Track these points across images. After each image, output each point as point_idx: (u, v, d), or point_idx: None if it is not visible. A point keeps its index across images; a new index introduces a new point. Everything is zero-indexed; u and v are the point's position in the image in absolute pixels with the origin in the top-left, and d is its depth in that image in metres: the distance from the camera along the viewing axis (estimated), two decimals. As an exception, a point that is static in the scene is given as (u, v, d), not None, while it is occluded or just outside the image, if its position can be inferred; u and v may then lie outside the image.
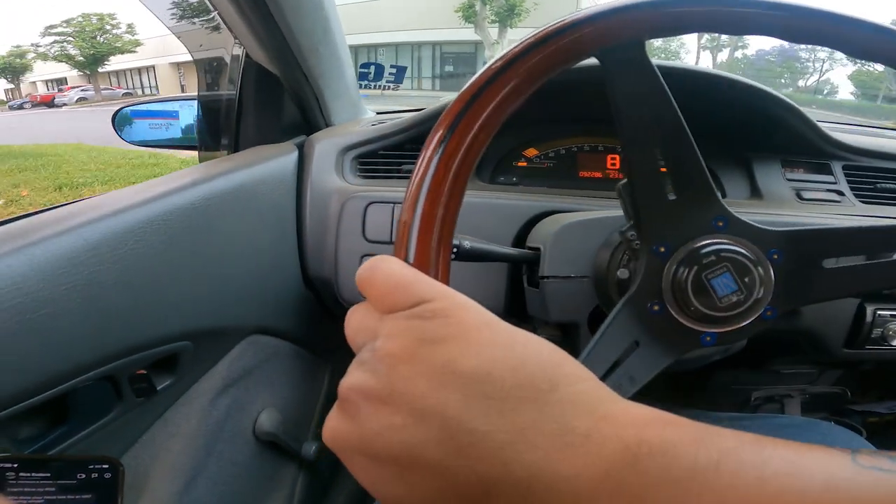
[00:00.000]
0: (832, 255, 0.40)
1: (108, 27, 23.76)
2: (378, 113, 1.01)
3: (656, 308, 0.38)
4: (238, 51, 0.80)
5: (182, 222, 0.55)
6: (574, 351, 0.36)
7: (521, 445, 0.19)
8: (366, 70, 1.10)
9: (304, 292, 0.80)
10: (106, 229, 0.48)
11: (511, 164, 0.82)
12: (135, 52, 24.12)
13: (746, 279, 0.38)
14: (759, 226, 0.39)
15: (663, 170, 0.37)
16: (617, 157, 0.83)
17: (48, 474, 0.44)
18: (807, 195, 0.75)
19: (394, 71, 1.16)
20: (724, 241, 0.38)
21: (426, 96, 16.61)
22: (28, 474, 0.43)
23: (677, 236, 0.38)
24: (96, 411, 0.51)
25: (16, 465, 0.42)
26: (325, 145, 0.79)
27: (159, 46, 22.40)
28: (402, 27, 20.24)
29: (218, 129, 0.83)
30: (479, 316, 0.23)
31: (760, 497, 0.17)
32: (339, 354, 0.94)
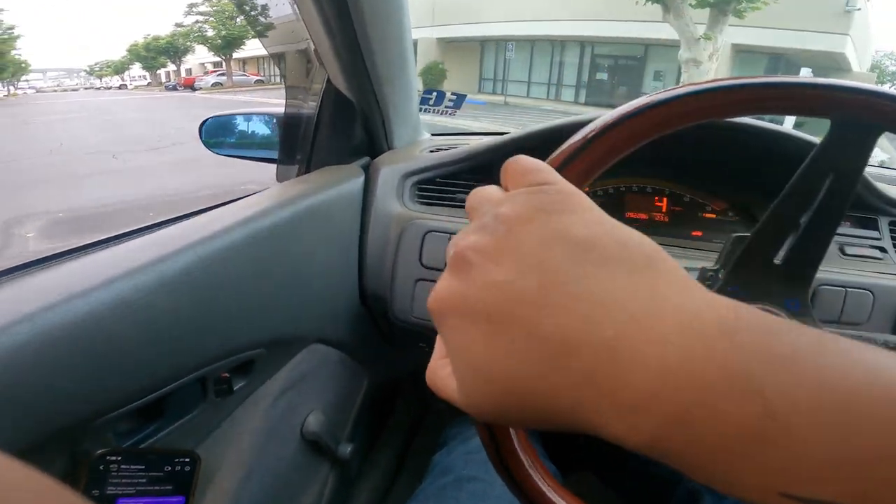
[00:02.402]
0: None
1: (246, 8, 22.41)
2: (433, 135, 1.05)
3: None
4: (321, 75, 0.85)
5: (271, 241, 0.61)
6: None
7: (612, 307, 0.19)
8: (428, 96, 1.16)
9: (359, 307, 0.85)
10: (213, 248, 0.53)
11: None
12: (267, 36, 22.67)
13: None
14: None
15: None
16: (665, 199, 0.82)
17: (143, 466, 0.49)
18: (850, 251, 0.74)
19: (454, 98, 1.19)
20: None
21: (561, 111, 12.96)
22: (128, 466, 0.48)
23: (767, 294, 0.39)
24: (184, 409, 0.57)
25: (120, 458, 0.48)
26: (388, 170, 0.84)
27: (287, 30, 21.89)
28: (544, 16, 14.93)
29: (295, 146, 0.88)
30: (590, 202, 0.25)
31: (869, 379, 0.16)
32: (376, 363, 0.99)
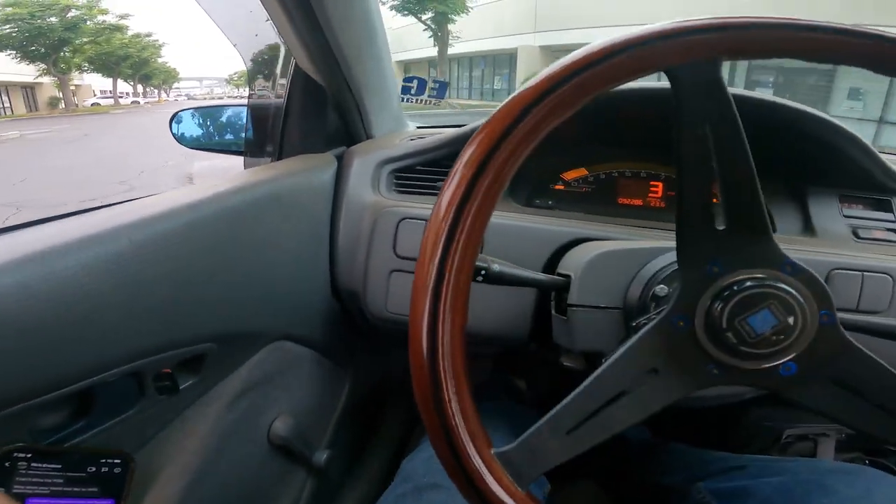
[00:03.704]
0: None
1: None
2: (418, 127, 1.01)
3: (681, 324, 0.36)
4: (287, 60, 0.82)
5: (221, 227, 0.57)
6: None
7: None
8: (409, 84, 1.11)
9: (331, 302, 0.80)
10: (152, 231, 0.49)
11: (548, 186, 0.80)
12: None
13: (789, 320, 0.35)
14: (826, 286, 0.36)
15: (716, 200, 0.35)
16: (660, 184, 0.78)
17: (59, 466, 0.45)
18: (864, 234, 0.70)
19: (436, 86, 1.15)
20: (781, 279, 0.36)
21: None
22: (39, 465, 0.44)
23: (727, 263, 0.36)
24: (118, 406, 0.52)
25: (29, 456, 0.44)
26: (363, 158, 0.80)
27: (388, 43, 22.18)
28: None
29: (264, 137, 0.85)
30: None
31: None
32: (359, 365, 0.94)
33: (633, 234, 0.67)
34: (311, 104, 0.82)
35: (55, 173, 5.97)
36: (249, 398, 0.67)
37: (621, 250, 0.55)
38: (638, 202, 0.79)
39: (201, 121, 0.91)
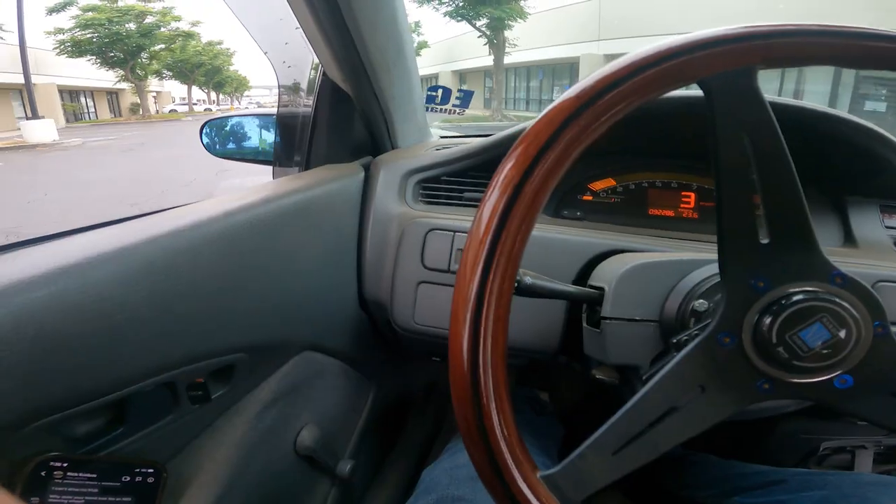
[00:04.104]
0: None
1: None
2: (442, 137, 1.01)
3: (727, 340, 0.35)
4: (316, 70, 0.83)
5: (252, 238, 0.57)
6: (631, 393, 0.36)
7: None
8: (433, 93, 1.10)
9: (358, 313, 0.80)
10: (185, 241, 0.50)
11: (576, 197, 0.79)
12: (419, 55, 19.19)
13: (842, 333, 0.34)
14: (875, 293, 0.35)
15: (758, 213, 0.34)
16: (692, 194, 0.77)
17: (94, 475, 0.45)
18: None
19: (460, 96, 1.14)
20: (832, 292, 0.35)
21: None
22: (75, 474, 0.44)
23: (773, 278, 0.35)
24: (152, 415, 0.52)
25: (65, 465, 0.43)
26: (390, 168, 0.80)
27: (442, 52, 20.17)
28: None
29: (292, 146, 0.86)
30: None
31: None
32: (384, 376, 0.93)
33: (666, 245, 0.66)
34: (339, 114, 0.83)
35: (76, 188, 6.01)
36: (278, 408, 0.68)
37: (657, 262, 0.54)
38: (669, 213, 0.77)
39: (231, 130, 0.92)
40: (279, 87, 0.87)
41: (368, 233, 0.77)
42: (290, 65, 0.86)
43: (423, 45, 20.48)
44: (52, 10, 19.44)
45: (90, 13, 19.71)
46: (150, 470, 0.49)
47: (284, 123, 0.87)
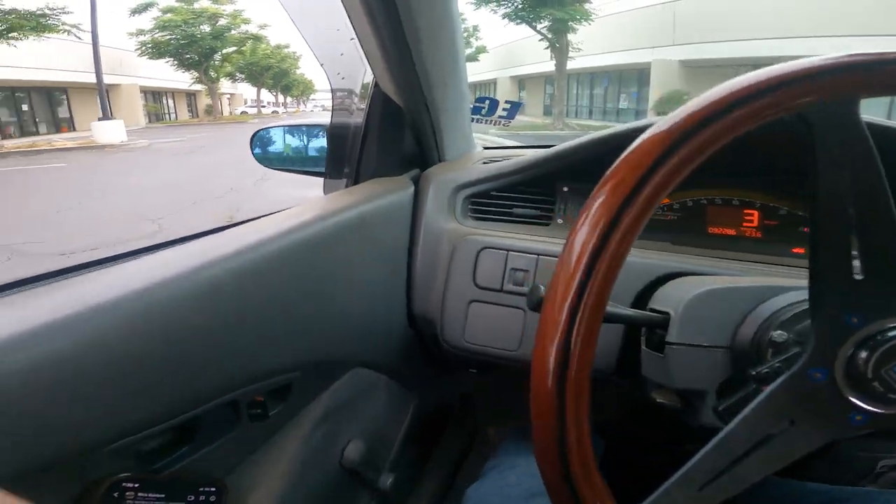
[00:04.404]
0: None
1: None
2: (485, 148, 1.00)
3: (818, 375, 0.36)
4: (368, 82, 0.82)
5: (310, 255, 0.58)
6: (695, 418, 0.36)
7: None
8: (480, 104, 1.07)
9: (406, 329, 0.80)
10: (246, 261, 0.50)
11: None
12: (477, 60, 19.72)
13: None
14: None
15: (853, 249, 0.34)
16: (755, 213, 0.73)
17: (162, 495, 0.46)
18: None
19: (507, 107, 1.10)
20: None
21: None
22: (145, 495, 0.45)
23: (867, 313, 0.35)
24: (216, 433, 0.53)
25: (136, 486, 0.44)
26: (439, 183, 0.79)
27: (500, 57, 19.36)
28: (830, 30, 9.15)
29: (343, 157, 0.85)
30: None
31: None
32: (424, 387, 0.94)
33: (730, 267, 0.64)
34: (389, 125, 0.82)
35: (111, 196, 6.10)
36: (328, 423, 0.69)
37: (730, 289, 0.52)
38: (731, 231, 0.74)
39: (281, 140, 0.92)
40: (332, 97, 0.86)
41: (419, 249, 0.77)
42: (343, 76, 0.85)
43: (480, 49, 19.91)
44: (134, 12, 20.76)
45: (168, 15, 20.90)
46: (213, 488, 0.49)
47: (336, 134, 0.87)
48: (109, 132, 12.69)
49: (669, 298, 0.56)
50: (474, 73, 20.79)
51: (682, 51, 13.65)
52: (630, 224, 0.33)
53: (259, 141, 0.91)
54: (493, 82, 21.03)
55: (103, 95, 13.54)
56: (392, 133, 0.83)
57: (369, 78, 0.81)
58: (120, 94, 21.22)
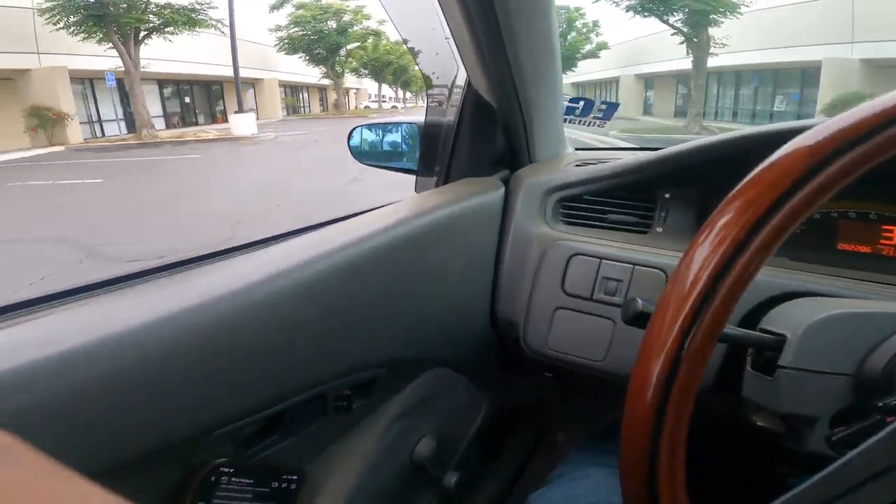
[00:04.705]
0: None
1: (578, 24, 18.24)
2: (577, 149, 0.96)
3: None
4: (462, 80, 0.81)
5: (400, 254, 0.59)
6: (800, 444, 0.35)
7: None
8: (574, 104, 1.01)
9: (487, 331, 0.80)
10: (341, 259, 0.52)
11: None
12: (597, 57, 18.84)
13: None
14: None
15: None
16: (895, 229, 0.64)
17: (251, 481, 0.48)
18: None
19: (604, 108, 1.03)
20: None
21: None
22: (238, 480, 0.47)
23: None
24: (302, 424, 0.56)
25: (232, 470, 0.47)
26: (530, 184, 0.78)
27: (624, 54, 18.11)
28: None
29: (434, 156, 0.86)
30: None
31: None
32: (498, 390, 0.93)
33: (862, 289, 0.59)
34: (480, 125, 0.82)
35: (214, 193, 6.20)
36: (405, 419, 0.70)
37: (862, 314, 0.48)
38: (865, 249, 0.67)
39: (377, 137, 0.94)
40: (427, 96, 0.87)
41: (507, 252, 0.76)
42: (438, 75, 0.85)
43: (601, 46, 18.75)
44: (272, 8, 22.54)
45: (300, 11, 22.43)
46: (294, 476, 0.51)
47: (429, 133, 0.87)
48: (243, 125, 13.95)
49: (786, 319, 0.52)
50: (593, 70, 19.71)
51: (865, 49, 11.54)
52: (758, 249, 0.30)
53: (356, 137, 0.94)
54: (615, 81, 19.68)
55: (238, 89, 14.84)
56: (483, 132, 0.82)
57: (462, 77, 0.80)
58: (263, 88, 23.34)
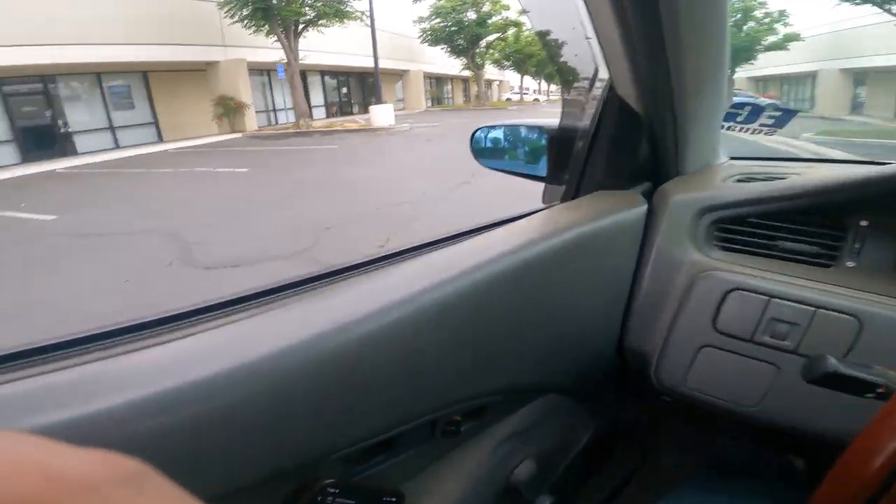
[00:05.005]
0: None
1: (758, 14, 17.14)
2: (733, 158, 0.82)
3: None
4: (600, 84, 0.73)
5: (528, 277, 0.56)
6: None
7: None
8: (737, 110, 0.86)
9: (612, 359, 0.74)
10: (471, 282, 0.50)
11: None
12: (786, 49, 17.12)
13: None
14: None
15: None
16: None
17: (353, 501, 0.49)
18: None
19: (776, 114, 0.85)
20: None
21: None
22: (343, 500, 0.48)
23: None
24: (409, 445, 0.55)
25: (336, 491, 0.48)
26: (679, 202, 0.68)
27: (823, 45, 16.26)
28: None
29: (566, 164, 0.78)
30: None
31: None
32: (608, 414, 0.88)
33: None
34: (621, 132, 0.73)
35: (322, 190, 6.22)
36: (510, 443, 0.68)
37: None
38: None
39: (503, 139, 0.88)
40: (562, 99, 0.80)
41: (646, 277, 0.68)
42: (575, 77, 0.78)
43: (791, 37, 16.66)
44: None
45: (441, 1, 22.83)
46: (394, 499, 0.51)
47: (561, 138, 0.80)
48: (381, 116, 14.56)
49: None
50: (779, 64, 17.50)
51: None
52: None
53: (480, 137, 0.90)
54: (811, 76, 17.15)
55: (377, 81, 15.39)
56: (624, 141, 0.73)
57: (602, 79, 0.72)
58: (409, 79, 24.43)
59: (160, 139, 14.37)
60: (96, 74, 13.03)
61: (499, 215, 0.71)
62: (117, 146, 13.41)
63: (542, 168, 0.82)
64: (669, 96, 0.65)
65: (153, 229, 4.64)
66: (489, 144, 0.90)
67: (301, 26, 14.77)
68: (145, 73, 13.92)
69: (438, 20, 23.15)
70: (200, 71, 14.80)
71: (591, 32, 0.65)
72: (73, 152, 12.50)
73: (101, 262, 3.94)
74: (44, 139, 12.21)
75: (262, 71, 16.47)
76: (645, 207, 0.69)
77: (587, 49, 0.69)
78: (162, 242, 4.21)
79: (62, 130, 12.64)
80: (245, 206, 5.67)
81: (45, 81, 12.23)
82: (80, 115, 13.00)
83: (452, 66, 26.14)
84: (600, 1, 0.58)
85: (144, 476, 0.14)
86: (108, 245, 4.38)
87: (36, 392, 0.32)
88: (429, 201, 5.33)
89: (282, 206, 5.48)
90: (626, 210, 0.67)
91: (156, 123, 14.50)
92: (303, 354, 0.39)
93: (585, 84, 0.76)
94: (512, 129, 0.88)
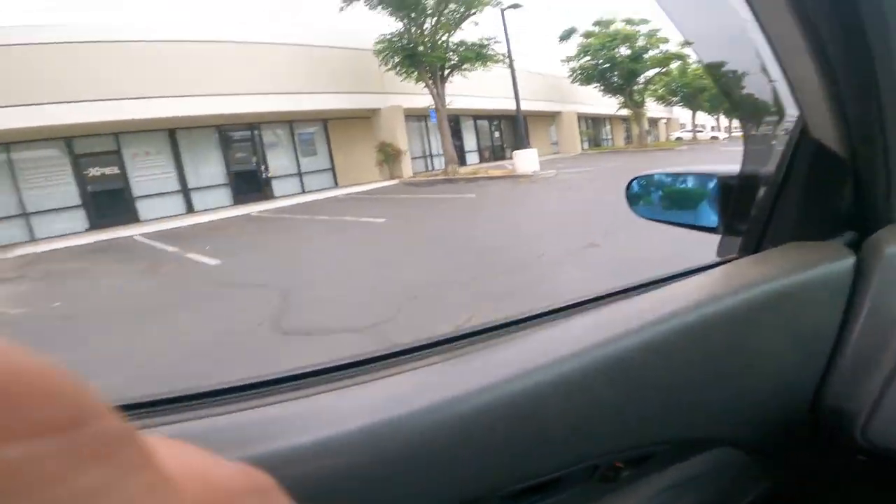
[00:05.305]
0: None
1: None
2: None
3: None
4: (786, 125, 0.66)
5: (714, 333, 0.56)
6: None
7: None
8: None
9: (804, 415, 0.67)
10: (652, 335, 0.52)
11: None
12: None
13: None
14: None
15: None
16: None
17: None
18: None
19: None
20: None
21: None
22: None
23: None
24: (566, 489, 0.55)
25: None
26: None
27: None
28: None
29: (745, 213, 0.71)
30: None
31: None
32: (787, 471, 0.76)
33: None
34: (818, 178, 0.65)
35: (442, 245, 6.07)
36: (669, 494, 0.63)
37: None
38: None
39: (665, 188, 0.80)
40: (744, 145, 0.72)
41: (855, 334, 0.61)
42: (756, 116, 0.70)
43: None
44: (561, 39, 22.79)
45: (589, 39, 22.07)
46: None
47: (739, 185, 0.72)
48: (524, 162, 14.17)
49: None
50: None
51: None
52: None
53: (637, 187, 0.83)
54: None
55: (519, 124, 15.35)
56: (820, 186, 0.65)
57: (789, 119, 0.66)
58: (562, 121, 24.18)
59: (336, 184, 16.11)
60: (289, 123, 15.14)
61: (668, 269, 0.68)
62: (303, 191, 15.36)
63: (708, 217, 0.74)
64: (882, 136, 0.58)
65: (272, 284, 4.91)
66: (648, 194, 0.83)
67: (447, 71, 15.58)
68: (325, 122, 15.85)
69: (587, 58, 22.66)
70: (366, 118, 16.35)
71: (774, 67, 0.59)
72: (271, 196, 14.57)
73: (210, 313, 4.30)
74: (251, 184, 14.45)
75: (419, 117, 17.60)
76: (853, 260, 0.61)
77: (767, 87, 0.63)
78: (273, 298, 4.37)
79: (264, 176, 14.82)
80: (356, 263, 5.69)
81: (252, 129, 14.52)
82: (277, 160, 15.16)
83: (609, 105, 25.29)
84: (790, 36, 0.53)
85: (273, 491, 0.15)
86: (232, 296, 4.77)
87: (245, 424, 0.39)
88: (545, 265, 4.65)
89: (390, 266, 5.40)
90: (828, 263, 0.60)
91: (332, 169, 16.32)
92: (481, 399, 0.43)
93: (768, 121, 0.68)
94: (674, 178, 0.80)
